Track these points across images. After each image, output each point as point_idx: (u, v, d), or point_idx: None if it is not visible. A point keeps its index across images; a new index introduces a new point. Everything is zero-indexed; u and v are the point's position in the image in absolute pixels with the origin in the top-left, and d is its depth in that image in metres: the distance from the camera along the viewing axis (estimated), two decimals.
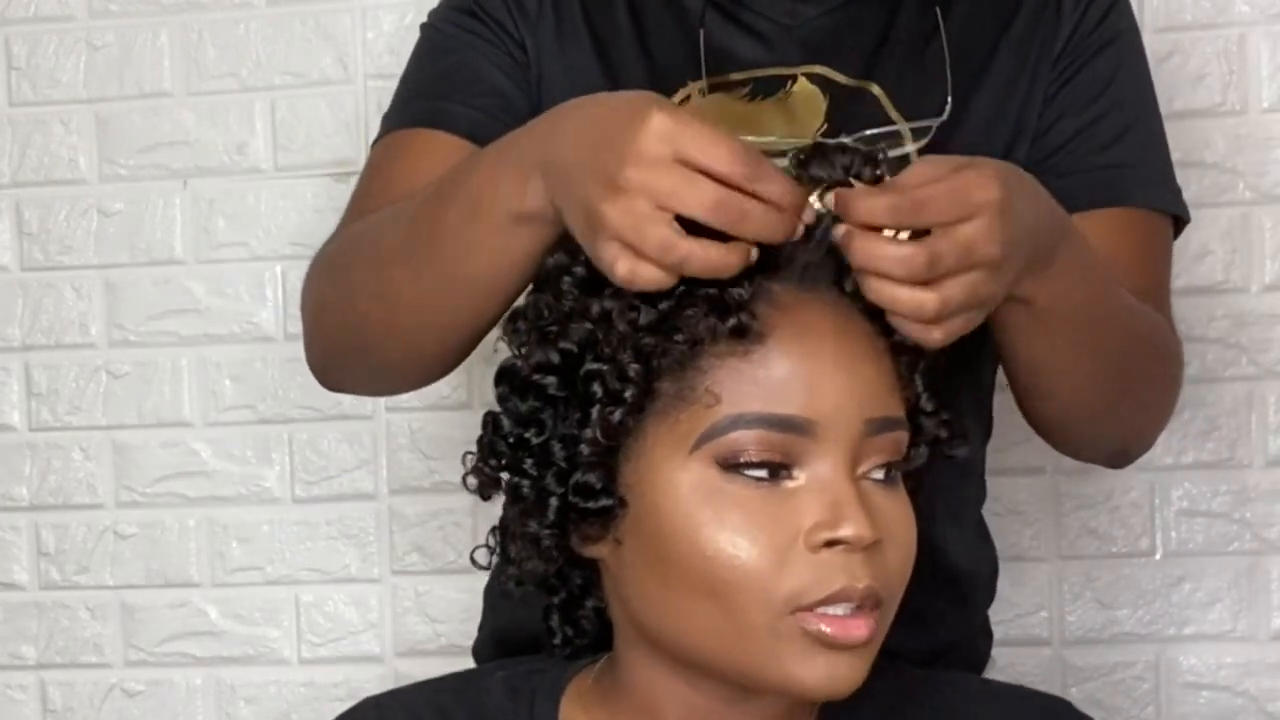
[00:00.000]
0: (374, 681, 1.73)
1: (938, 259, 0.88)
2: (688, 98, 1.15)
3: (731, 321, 0.90)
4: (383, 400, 1.73)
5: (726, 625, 0.91)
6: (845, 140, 0.98)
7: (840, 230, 0.90)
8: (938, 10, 1.19)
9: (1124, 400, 1.13)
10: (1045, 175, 1.07)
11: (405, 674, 1.73)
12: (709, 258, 0.87)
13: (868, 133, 1.00)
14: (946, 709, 1.01)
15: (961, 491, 1.26)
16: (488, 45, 1.22)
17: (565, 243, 0.96)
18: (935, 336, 0.91)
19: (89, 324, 1.77)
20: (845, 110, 1.17)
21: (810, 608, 0.90)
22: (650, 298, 0.91)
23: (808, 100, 1.16)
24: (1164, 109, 1.62)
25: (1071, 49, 1.21)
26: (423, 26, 1.29)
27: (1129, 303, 1.11)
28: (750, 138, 1.05)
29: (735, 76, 1.16)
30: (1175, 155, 1.61)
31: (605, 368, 0.91)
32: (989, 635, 1.34)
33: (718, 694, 0.96)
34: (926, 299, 0.89)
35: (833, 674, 0.90)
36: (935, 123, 1.15)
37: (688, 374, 0.91)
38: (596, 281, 0.93)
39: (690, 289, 0.90)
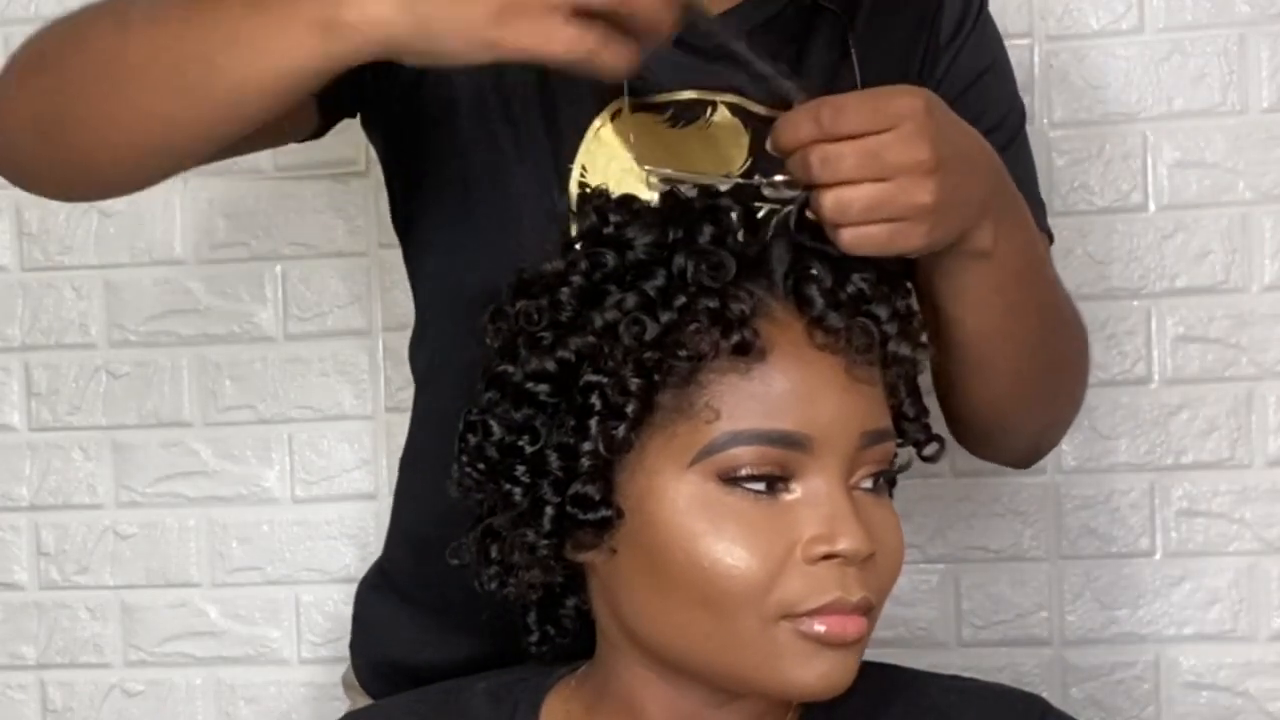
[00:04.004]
0: None
1: (830, 158, 0.92)
2: (619, 111, 1.15)
3: (735, 338, 0.90)
4: (383, 400, 1.73)
5: (722, 633, 0.91)
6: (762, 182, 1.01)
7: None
8: (850, 39, 1.18)
9: (1051, 380, 1.15)
10: None
11: None
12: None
13: (778, 179, 1.01)
14: (925, 706, 1.01)
15: None
16: None
17: (563, 251, 0.97)
18: (843, 239, 0.93)
19: (89, 324, 1.77)
20: (763, 141, 1.16)
21: (803, 616, 0.90)
22: (653, 310, 0.91)
23: (729, 131, 1.15)
24: (1164, 109, 1.63)
25: (948, 78, 1.21)
26: None
27: (1056, 273, 1.15)
28: (677, 171, 1.06)
29: (658, 99, 1.16)
30: (1175, 155, 1.62)
31: (606, 380, 0.91)
32: None
33: (702, 697, 0.97)
34: (824, 196, 0.93)
35: (828, 673, 0.91)
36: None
37: (688, 389, 0.91)
38: (596, 292, 0.93)
39: (691, 303, 0.91)
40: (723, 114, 1.15)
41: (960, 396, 1.11)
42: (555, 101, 1.14)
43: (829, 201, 0.93)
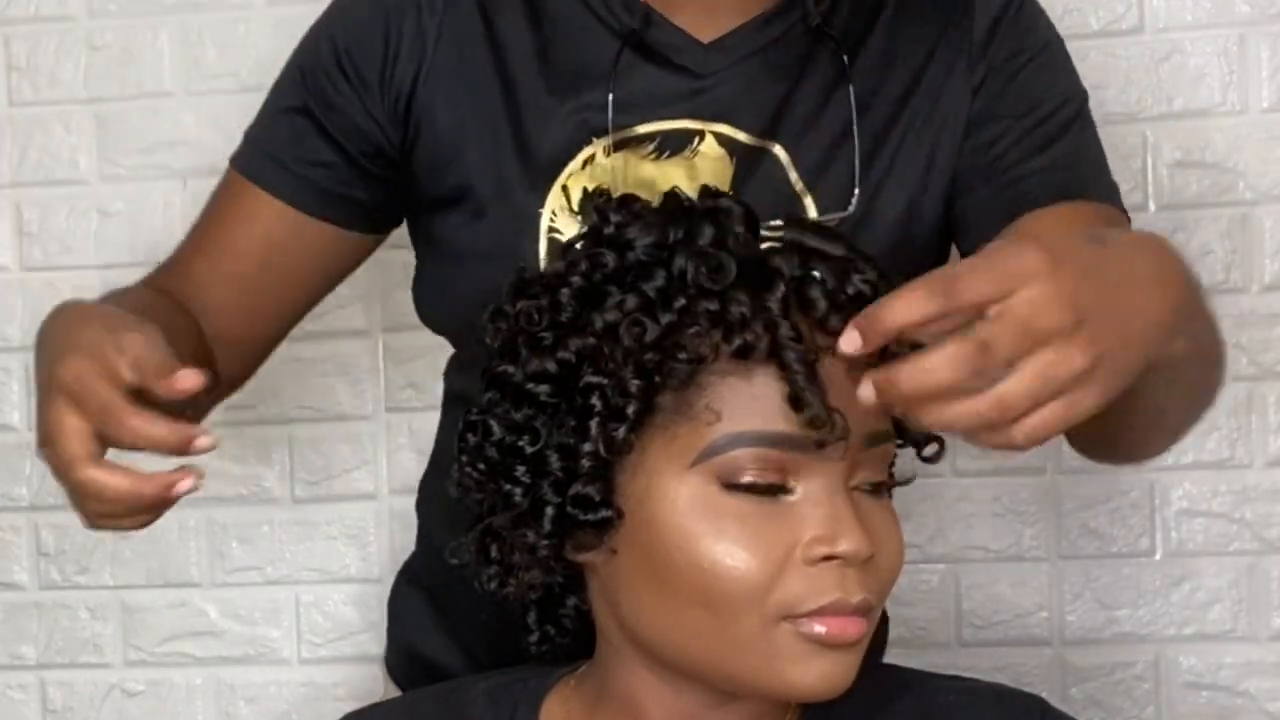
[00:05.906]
0: (374, 682, 1.73)
1: (990, 345, 0.78)
2: (591, 157, 1.15)
3: (736, 341, 0.90)
4: (383, 400, 1.73)
5: (722, 634, 0.91)
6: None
7: (866, 391, 0.82)
8: (845, 59, 1.16)
9: (1196, 409, 1.08)
10: (994, 185, 1.13)
11: None
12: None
13: (773, 223, 0.97)
14: (925, 706, 1.01)
15: None
16: (339, 108, 1.21)
17: (565, 252, 0.97)
18: (1018, 442, 0.80)
19: None
20: (749, 169, 1.15)
21: (803, 617, 0.90)
22: (653, 311, 0.91)
23: (714, 162, 1.15)
24: (1164, 109, 1.63)
25: (994, 72, 1.19)
26: (304, 38, 1.27)
27: (1209, 299, 1.02)
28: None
29: (641, 130, 1.15)
30: (1175, 155, 1.62)
31: (606, 382, 0.91)
32: (885, 618, 1.27)
33: (701, 698, 0.97)
34: (980, 406, 0.79)
35: (828, 674, 0.91)
36: (839, 216, 1.13)
37: (688, 391, 0.91)
38: (597, 293, 0.94)
39: (691, 304, 0.91)
40: (710, 144, 1.15)
41: (1107, 446, 1.09)
42: (529, 149, 1.15)
43: (987, 407, 0.79)
